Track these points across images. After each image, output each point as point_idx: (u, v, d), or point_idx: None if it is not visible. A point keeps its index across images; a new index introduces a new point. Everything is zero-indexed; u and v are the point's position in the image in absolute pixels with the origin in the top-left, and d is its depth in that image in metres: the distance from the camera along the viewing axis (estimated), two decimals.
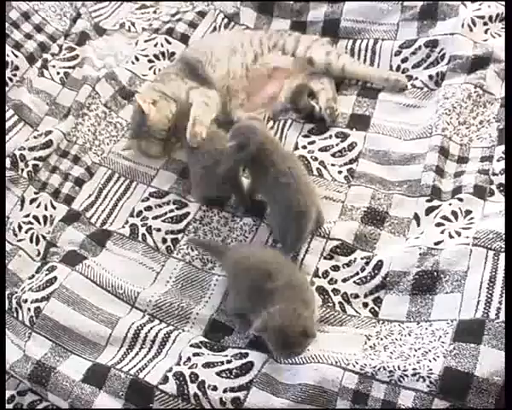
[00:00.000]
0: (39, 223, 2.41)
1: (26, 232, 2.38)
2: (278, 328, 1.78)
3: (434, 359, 1.74)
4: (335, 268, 2.09)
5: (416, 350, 1.79)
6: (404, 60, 2.60)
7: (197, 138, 2.31)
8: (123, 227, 2.33)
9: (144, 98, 2.48)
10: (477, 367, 1.68)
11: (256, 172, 2.21)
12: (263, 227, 2.22)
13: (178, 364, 1.90)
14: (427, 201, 2.16)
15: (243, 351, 1.91)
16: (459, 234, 2.02)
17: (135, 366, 1.94)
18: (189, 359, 1.90)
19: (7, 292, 2.21)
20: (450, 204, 2.11)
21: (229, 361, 1.88)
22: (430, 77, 2.50)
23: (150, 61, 2.87)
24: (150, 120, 2.45)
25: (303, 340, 1.79)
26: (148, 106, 2.45)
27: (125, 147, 2.55)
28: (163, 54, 2.88)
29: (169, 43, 2.90)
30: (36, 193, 2.49)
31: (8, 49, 2.84)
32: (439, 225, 2.07)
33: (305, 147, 2.41)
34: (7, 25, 2.91)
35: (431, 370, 1.71)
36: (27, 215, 2.43)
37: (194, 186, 2.37)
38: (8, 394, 2.02)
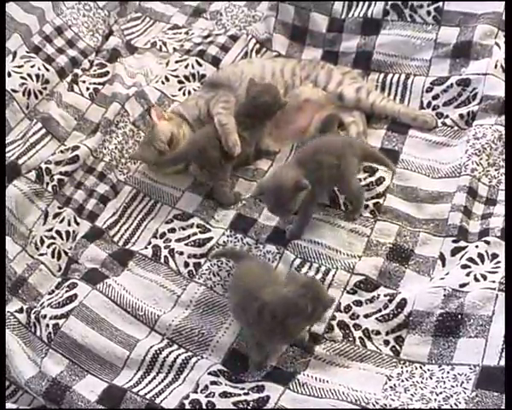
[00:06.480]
0: (62, 238, 2.41)
1: (48, 247, 2.38)
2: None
3: (456, 405, 1.72)
4: (358, 303, 2.06)
5: (437, 394, 1.77)
6: (436, 97, 2.59)
7: (237, 146, 2.36)
8: (145, 248, 2.32)
9: (158, 112, 2.54)
10: None
11: None
12: (286, 254, 2.19)
13: (195, 391, 1.88)
14: (454, 241, 2.14)
15: (260, 384, 1.87)
16: (485, 277, 1.99)
17: (151, 390, 1.92)
18: (206, 387, 1.88)
19: (25, 306, 2.20)
20: (476, 246, 2.08)
21: (246, 394, 1.84)
22: (461, 116, 2.49)
23: (180, 81, 2.86)
24: (156, 126, 2.49)
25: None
26: (160, 115, 2.52)
27: (133, 156, 2.62)
28: (193, 75, 2.88)
29: (200, 65, 2.90)
30: (60, 208, 2.49)
31: (40, 62, 2.84)
32: (464, 266, 2.04)
33: None
34: (40, 38, 2.92)
35: None
36: (50, 229, 2.43)
37: None
38: None
